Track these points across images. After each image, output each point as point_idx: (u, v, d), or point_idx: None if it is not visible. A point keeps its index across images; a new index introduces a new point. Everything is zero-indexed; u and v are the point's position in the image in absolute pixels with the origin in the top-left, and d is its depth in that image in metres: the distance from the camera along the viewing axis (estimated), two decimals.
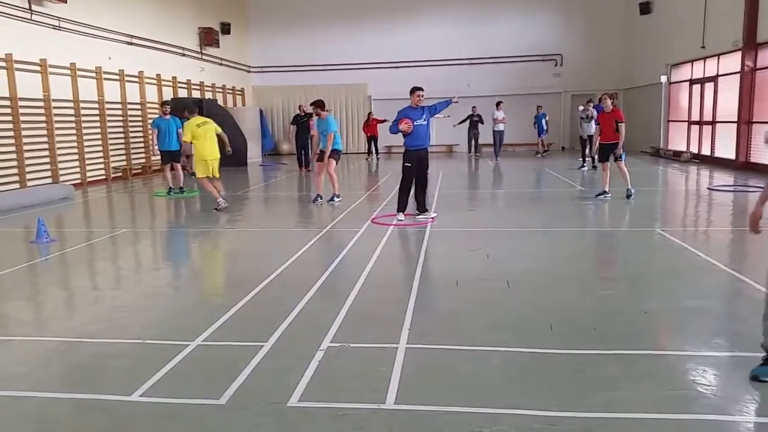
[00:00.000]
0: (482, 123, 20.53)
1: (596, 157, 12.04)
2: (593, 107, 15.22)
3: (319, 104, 10.46)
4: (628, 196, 9.97)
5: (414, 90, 8.68)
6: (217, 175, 10.40)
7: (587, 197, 10.75)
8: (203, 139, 10.03)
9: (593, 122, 14.70)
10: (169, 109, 12.59)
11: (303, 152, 17.36)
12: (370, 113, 22.02)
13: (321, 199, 10.56)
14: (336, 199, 10.45)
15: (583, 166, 15.60)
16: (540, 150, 20.77)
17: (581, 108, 16.40)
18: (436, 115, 9.06)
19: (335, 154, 10.39)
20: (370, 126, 20.82)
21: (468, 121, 20.52)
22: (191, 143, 9.99)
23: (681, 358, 3.66)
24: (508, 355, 3.74)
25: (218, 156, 10.35)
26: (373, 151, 20.90)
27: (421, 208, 8.81)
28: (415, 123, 8.50)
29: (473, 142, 20.95)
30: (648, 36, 21.00)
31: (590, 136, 14.73)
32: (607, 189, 10.17)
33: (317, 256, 6.58)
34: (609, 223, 8.68)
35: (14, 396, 3.35)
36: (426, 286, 5.37)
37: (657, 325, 4.32)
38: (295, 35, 24.66)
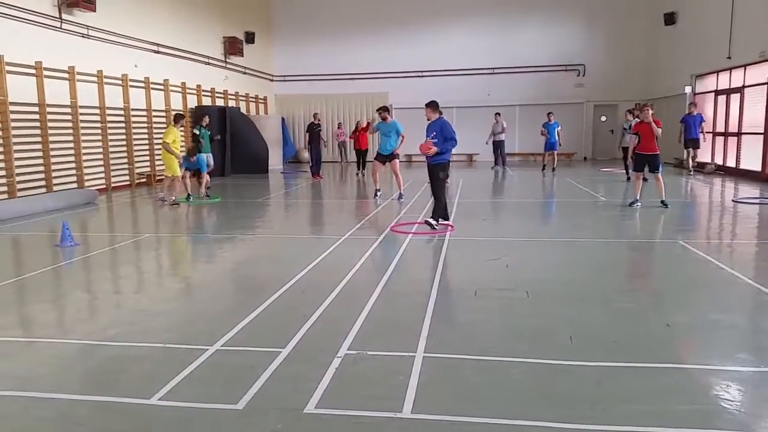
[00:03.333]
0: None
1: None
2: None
3: (387, 109, 12.01)
4: (664, 204, 10.10)
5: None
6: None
7: (609, 207, 10.70)
8: (177, 143, 11.87)
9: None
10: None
11: (316, 160, 17.52)
12: (358, 123, 19.91)
13: (380, 192, 12.16)
14: (402, 198, 11.75)
15: (629, 178, 14.61)
16: (547, 164, 18.34)
17: (626, 120, 15.45)
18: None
19: (391, 156, 11.80)
20: (359, 138, 18.61)
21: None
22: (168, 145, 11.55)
23: (704, 372, 3.59)
24: (527, 367, 3.70)
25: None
26: (361, 166, 18.51)
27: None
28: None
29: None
30: (672, 46, 20.79)
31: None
32: (638, 197, 10.38)
33: (336, 263, 6.59)
34: (630, 234, 8.57)
35: (36, 397, 3.40)
36: (444, 294, 5.35)
37: (680, 339, 4.24)
38: (318, 45, 24.88)
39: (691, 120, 15.82)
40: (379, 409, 3.14)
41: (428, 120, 8.72)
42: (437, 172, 8.63)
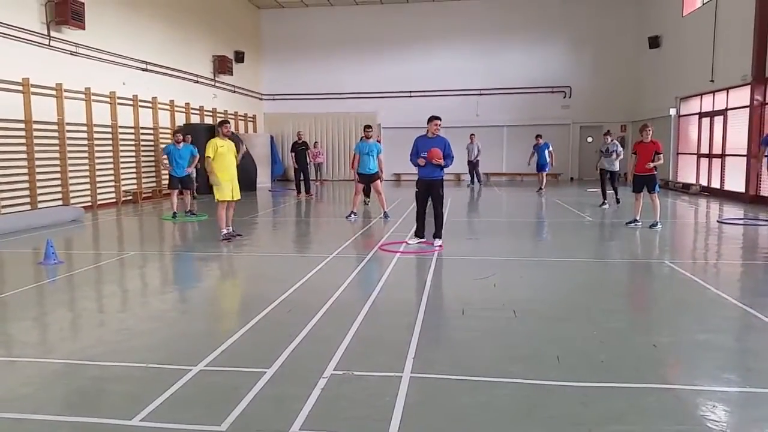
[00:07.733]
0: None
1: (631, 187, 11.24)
2: (616, 139, 14.35)
3: (371, 127, 12.23)
4: (652, 226, 10.18)
5: (431, 119, 9.02)
6: (239, 198, 9.82)
7: (595, 228, 10.77)
8: (228, 156, 9.60)
9: (614, 155, 13.55)
10: (181, 137, 12.61)
11: (302, 177, 17.72)
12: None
13: (355, 215, 11.97)
14: (388, 217, 11.80)
15: (604, 203, 13.77)
16: (542, 185, 18.15)
17: (606, 142, 14.08)
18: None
19: (374, 176, 11.83)
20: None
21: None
22: (212, 161, 9.35)
23: (690, 392, 3.59)
24: (514, 387, 3.68)
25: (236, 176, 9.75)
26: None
27: (419, 233, 9.05)
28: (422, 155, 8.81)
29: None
30: (657, 69, 21.14)
31: (612, 172, 13.68)
32: (638, 217, 10.53)
33: (323, 281, 6.56)
34: (617, 255, 8.62)
35: (16, 418, 3.33)
36: (432, 314, 5.32)
37: (666, 359, 4.25)
38: (307, 64, 25.05)
39: None
40: (365, 431, 3.10)
41: (434, 134, 8.84)
42: (439, 188, 8.89)
